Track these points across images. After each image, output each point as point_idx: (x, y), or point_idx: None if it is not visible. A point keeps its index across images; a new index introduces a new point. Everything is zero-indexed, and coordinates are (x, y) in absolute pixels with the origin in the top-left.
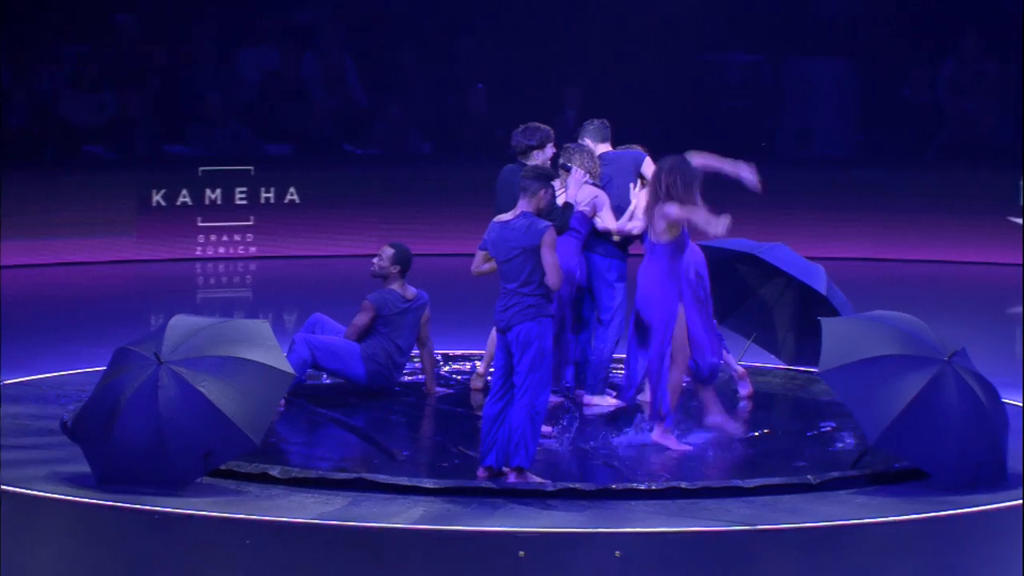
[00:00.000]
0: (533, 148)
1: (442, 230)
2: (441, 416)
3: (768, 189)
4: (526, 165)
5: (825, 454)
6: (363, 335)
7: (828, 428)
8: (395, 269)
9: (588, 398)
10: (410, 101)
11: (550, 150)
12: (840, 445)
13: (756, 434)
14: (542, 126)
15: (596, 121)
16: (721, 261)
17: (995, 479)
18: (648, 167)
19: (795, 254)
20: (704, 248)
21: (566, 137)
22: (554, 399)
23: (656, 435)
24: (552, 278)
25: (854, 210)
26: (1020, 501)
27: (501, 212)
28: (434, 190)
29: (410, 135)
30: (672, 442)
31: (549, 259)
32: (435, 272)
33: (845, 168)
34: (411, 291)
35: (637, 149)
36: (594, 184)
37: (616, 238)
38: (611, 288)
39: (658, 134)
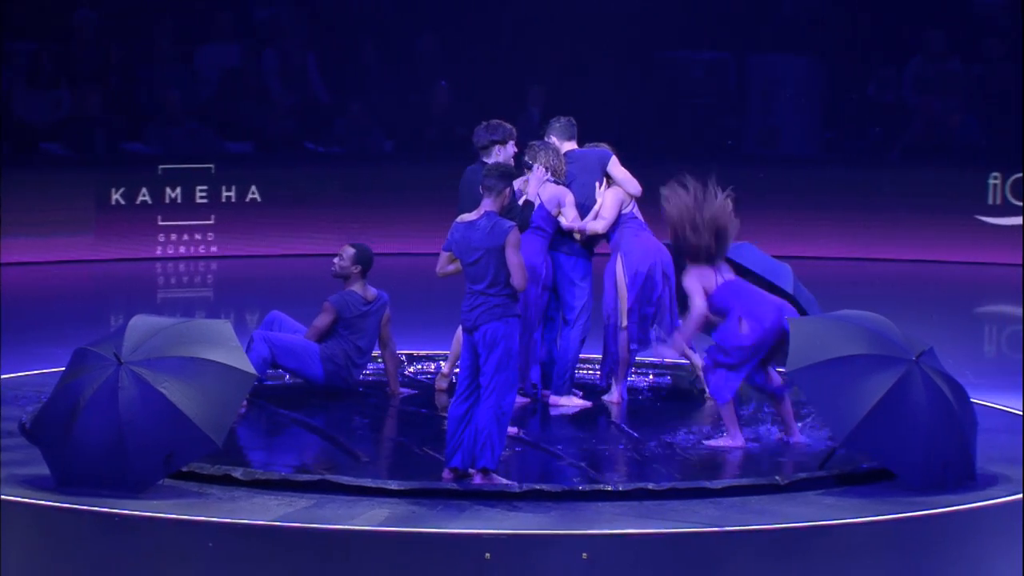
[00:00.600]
0: (495, 143)
1: (405, 229)
2: (405, 417)
3: (733, 187)
4: (487, 164)
5: (793, 455)
6: (323, 337)
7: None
8: (356, 269)
9: (554, 398)
10: (372, 98)
11: (511, 147)
12: (807, 448)
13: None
14: (506, 124)
15: (563, 119)
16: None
17: (963, 479)
18: (614, 166)
19: (761, 253)
20: (670, 248)
21: (531, 135)
22: (520, 400)
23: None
24: (517, 278)
25: (820, 208)
26: (989, 502)
27: (464, 213)
28: (396, 188)
29: (372, 133)
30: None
31: (514, 259)
32: (399, 272)
33: (810, 166)
34: (372, 292)
35: (604, 147)
36: (558, 182)
37: (578, 237)
38: (576, 287)
39: (622, 132)
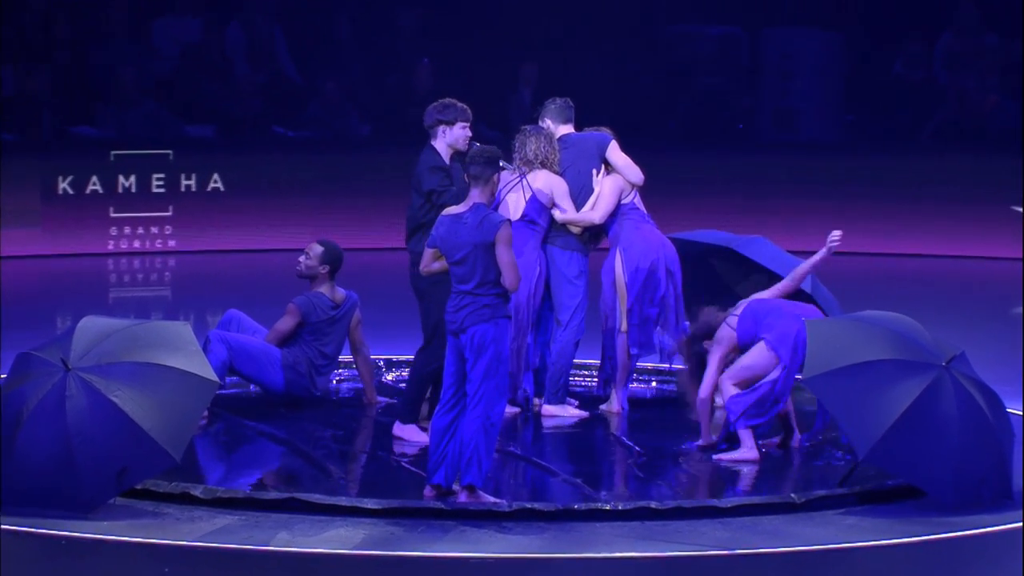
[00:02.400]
0: (442, 123)
1: (384, 221)
2: (383, 429)
3: (746, 176)
4: (433, 147)
5: (810, 470)
6: (285, 341)
7: (813, 441)
8: (324, 269)
9: (547, 408)
10: (347, 78)
11: (460, 129)
12: (826, 460)
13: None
14: (460, 104)
15: (559, 100)
16: (694, 256)
17: (999, 497)
18: (614, 151)
19: (776, 247)
20: (675, 241)
21: (522, 118)
22: (511, 409)
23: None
24: (508, 278)
25: (841, 199)
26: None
27: (412, 205)
28: (374, 176)
29: (347, 115)
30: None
31: (505, 257)
32: (377, 268)
33: (831, 152)
34: (340, 294)
35: (604, 131)
36: (552, 171)
37: (576, 230)
38: (571, 285)
39: (623, 114)
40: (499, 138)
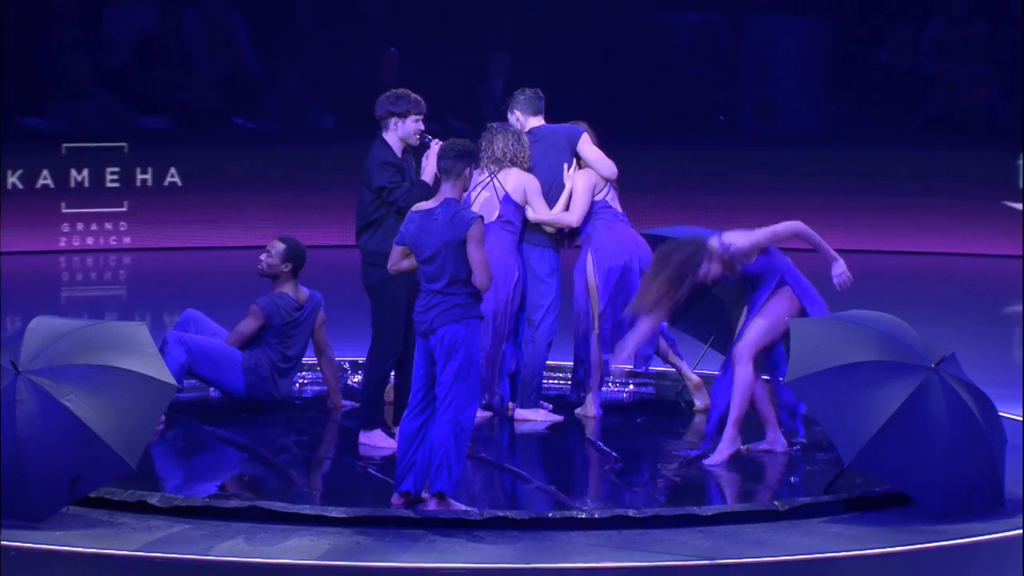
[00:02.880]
0: (394, 115)
1: (348, 216)
2: (349, 434)
3: (725, 169)
4: (385, 140)
5: (794, 476)
6: (247, 343)
7: (796, 446)
8: (286, 268)
9: (519, 412)
10: (310, 67)
11: (412, 123)
12: (811, 466)
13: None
14: (414, 96)
15: (527, 91)
16: None
17: (990, 504)
18: (585, 145)
19: None
20: (649, 238)
21: (493, 109)
22: (482, 414)
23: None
24: (480, 277)
25: (824, 193)
26: (1020, 531)
27: (362, 200)
28: (339, 171)
29: (310, 107)
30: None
31: (476, 255)
32: (342, 266)
33: (814, 145)
34: (304, 293)
35: (581, 125)
36: (523, 169)
37: (550, 230)
38: (543, 283)
39: (597, 106)
40: (468, 131)
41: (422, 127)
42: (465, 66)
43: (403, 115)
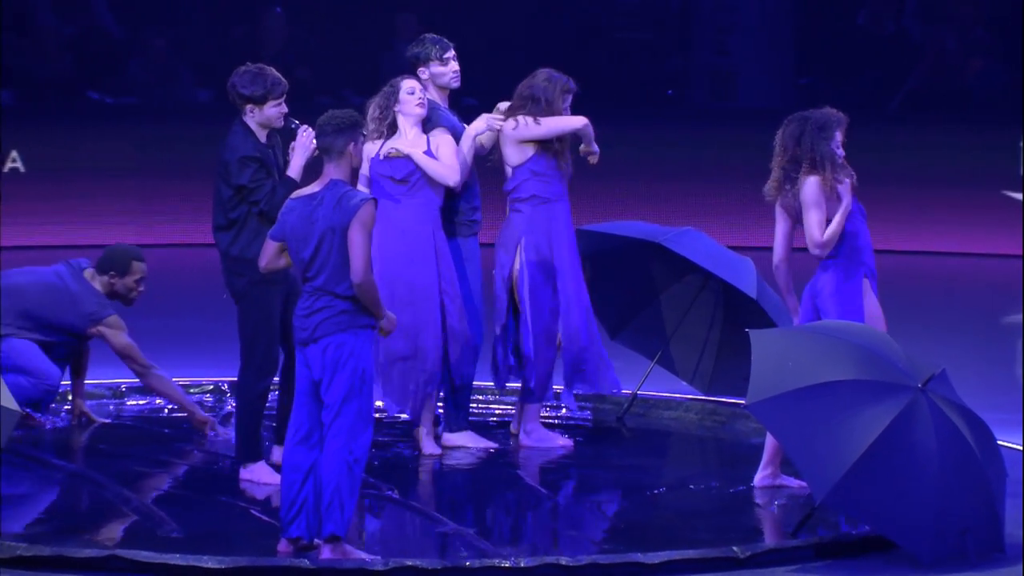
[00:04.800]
0: (249, 101)
1: None
2: (226, 467)
3: (676, 152)
4: (246, 124)
5: (757, 516)
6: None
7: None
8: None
9: (448, 437)
10: (180, 31)
11: (272, 110)
12: (777, 504)
13: (662, 489)
14: (273, 74)
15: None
16: (611, 252)
17: (987, 550)
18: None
19: (713, 242)
20: (587, 235)
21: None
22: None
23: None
24: (355, 266)
25: None
26: None
27: (219, 194)
28: (214, 154)
29: (180, 78)
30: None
31: (358, 240)
32: (215, 267)
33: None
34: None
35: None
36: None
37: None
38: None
39: (521, 77)
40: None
41: (285, 109)
42: (365, 29)
43: (259, 101)
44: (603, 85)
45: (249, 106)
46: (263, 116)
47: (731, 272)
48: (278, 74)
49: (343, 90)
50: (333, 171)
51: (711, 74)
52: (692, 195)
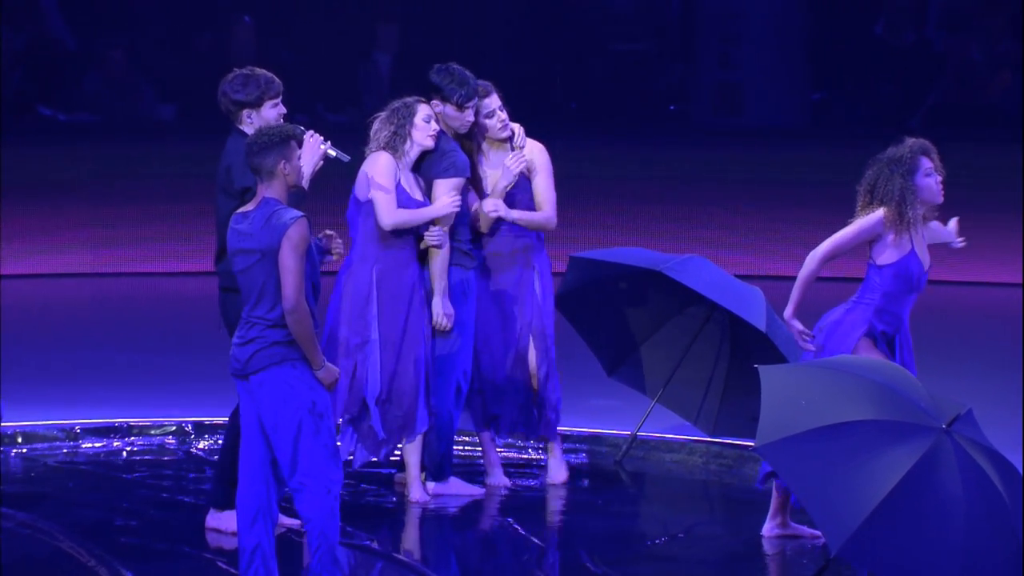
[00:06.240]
0: (244, 106)
1: (189, 232)
2: (192, 515)
3: (678, 173)
4: (244, 133)
5: (765, 569)
6: None
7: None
8: None
9: (430, 486)
10: (140, 43)
11: (270, 111)
12: (787, 555)
13: (664, 539)
14: (265, 74)
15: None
16: (607, 281)
17: None
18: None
19: (719, 270)
20: (579, 262)
21: (377, 93)
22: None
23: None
24: (286, 290)
25: (805, 203)
26: None
27: (220, 210)
28: (177, 173)
29: (141, 93)
30: None
31: (289, 262)
32: (179, 296)
33: (791, 142)
34: None
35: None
36: None
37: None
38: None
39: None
40: (348, 122)
41: (283, 110)
42: (342, 39)
43: (256, 104)
44: (598, 100)
45: (245, 111)
46: (262, 119)
47: (738, 303)
48: (270, 74)
49: (317, 105)
50: (265, 190)
51: (716, 88)
52: (694, 217)
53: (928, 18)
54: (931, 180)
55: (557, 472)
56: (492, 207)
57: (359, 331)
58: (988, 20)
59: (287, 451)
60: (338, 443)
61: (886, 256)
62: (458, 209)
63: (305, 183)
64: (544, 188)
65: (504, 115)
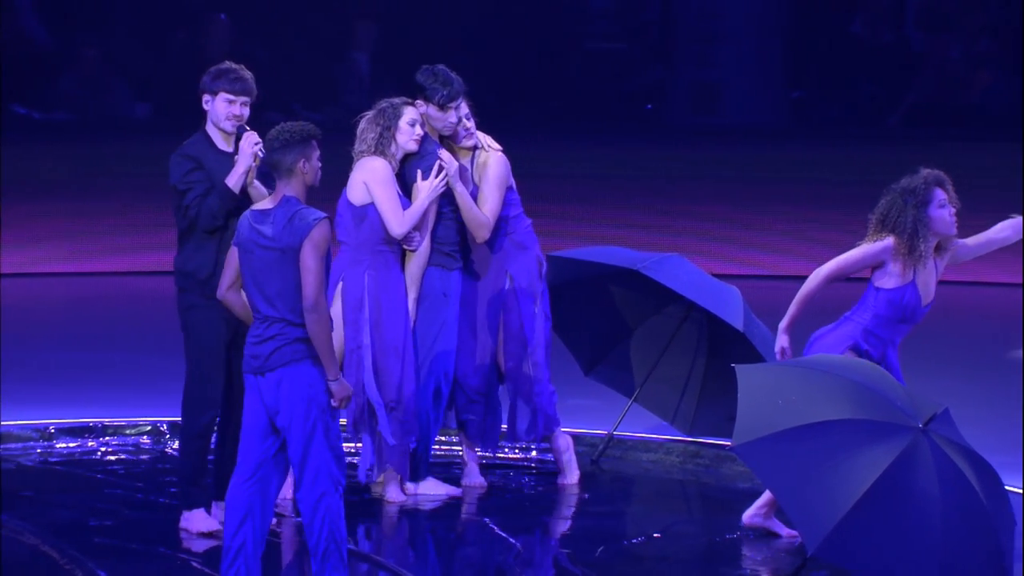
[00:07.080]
0: (205, 92)
1: (165, 233)
2: (166, 515)
3: (655, 172)
4: (205, 131)
5: (743, 568)
6: None
7: (747, 530)
8: None
9: (412, 486)
10: (114, 41)
11: (222, 105)
12: (765, 554)
13: (641, 538)
14: (239, 72)
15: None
16: (584, 280)
17: None
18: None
19: (696, 269)
20: (556, 261)
21: (356, 91)
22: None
23: None
24: (307, 290)
25: (784, 202)
26: None
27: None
28: (153, 174)
29: (115, 91)
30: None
31: (310, 263)
32: (155, 295)
33: (770, 141)
34: None
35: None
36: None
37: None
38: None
39: (485, 90)
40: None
41: (236, 111)
42: (319, 37)
43: (214, 92)
44: (574, 99)
45: (206, 96)
46: (212, 111)
47: (716, 302)
48: (246, 74)
49: (293, 104)
50: (285, 188)
51: (693, 87)
52: (672, 218)
53: (906, 17)
54: (944, 212)
55: (569, 473)
56: (448, 159)
57: (352, 336)
58: (967, 19)
59: (298, 449)
60: (352, 449)
61: (886, 281)
62: (444, 188)
63: (235, 185)
64: (486, 197)
65: (471, 124)
